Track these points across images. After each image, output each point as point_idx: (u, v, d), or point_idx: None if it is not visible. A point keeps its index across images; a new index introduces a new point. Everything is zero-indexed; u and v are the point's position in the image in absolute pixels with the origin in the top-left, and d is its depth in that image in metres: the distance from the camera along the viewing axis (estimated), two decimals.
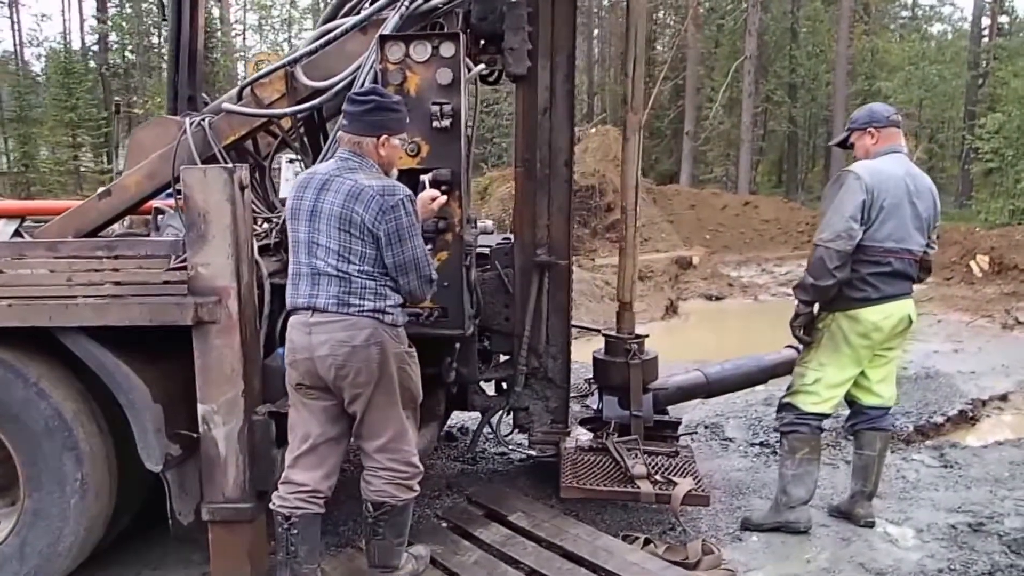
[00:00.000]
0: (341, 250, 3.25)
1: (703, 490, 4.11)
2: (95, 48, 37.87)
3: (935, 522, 4.48)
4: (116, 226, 4.93)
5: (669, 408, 5.11)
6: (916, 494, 4.91)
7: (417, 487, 3.54)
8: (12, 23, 39.50)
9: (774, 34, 33.43)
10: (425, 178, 3.91)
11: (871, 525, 4.39)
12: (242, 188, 3.60)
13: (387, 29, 4.02)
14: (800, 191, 34.20)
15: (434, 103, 3.88)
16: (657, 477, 4.17)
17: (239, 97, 4.48)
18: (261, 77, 4.33)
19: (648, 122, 34.93)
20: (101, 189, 4.77)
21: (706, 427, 6.23)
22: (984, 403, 7.17)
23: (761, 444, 5.80)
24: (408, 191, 3.34)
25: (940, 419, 6.45)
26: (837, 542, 4.25)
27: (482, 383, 4.92)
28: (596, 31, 44.47)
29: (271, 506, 3.48)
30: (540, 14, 4.38)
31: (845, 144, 4.38)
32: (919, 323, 5.39)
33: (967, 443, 6.08)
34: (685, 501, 4.06)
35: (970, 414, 6.79)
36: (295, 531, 3.41)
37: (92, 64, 36.44)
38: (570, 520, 4.21)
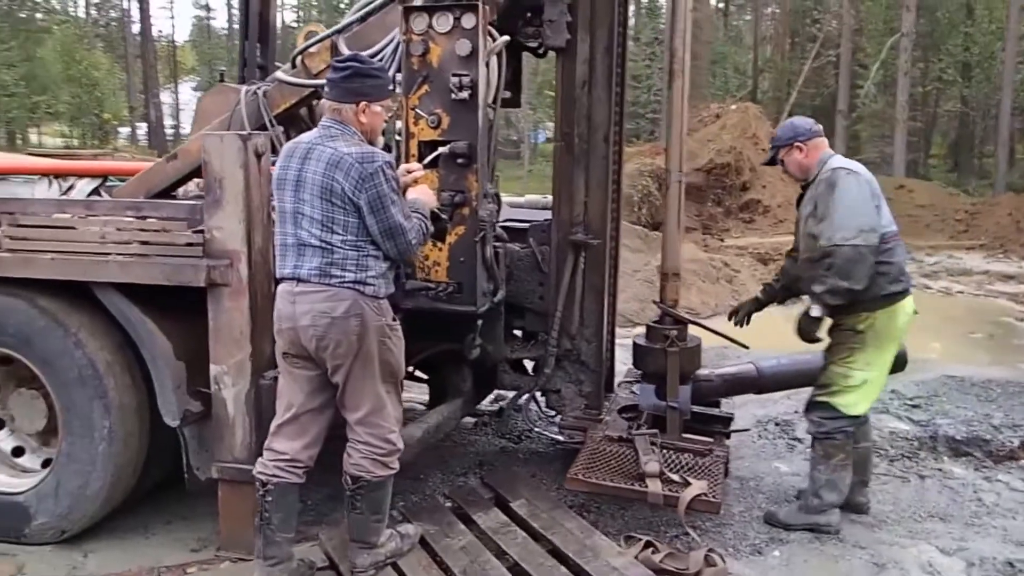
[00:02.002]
0: (324, 220, 3.25)
1: (715, 496, 3.86)
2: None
3: (994, 556, 4.04)
4: (191, 187, 5.10)
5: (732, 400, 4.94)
6: (987, 520, 4.46)
7: (395, 465, 3.51)
8: None
9: (947, 10, 31.36)
10: (443, 150, 3.87)
11: (869, 510, 4.36)
12: (258, 155, 3.65)
13: (419, 1, 3.98)
14: (974, 176, 32.11)
15: (453, 75, 3.83)
16: (674, 477, 3.97)
17: (292, 67, 4.54)
18: (309, 47, 4.39)
19: (801, 100, 33.78)
20: (169, 153, 4.96)
21: (776, 424, 5.92)
22: None
23: None
24: (388, 158, 3.31)
25: None
26: (868, 567, 3.92)
27: (524, 362, 4.86)
28: (769, 8, 42.96)
29: (253, 471, 3.54)
30: None
31: (773, 162, 4.33)
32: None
33: None
34: (692, 506, 3.84)
35: None
36: (270, 498, 3.45)
37: None
38: (568, 513, 4.06)
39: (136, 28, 41.89)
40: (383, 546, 3.61)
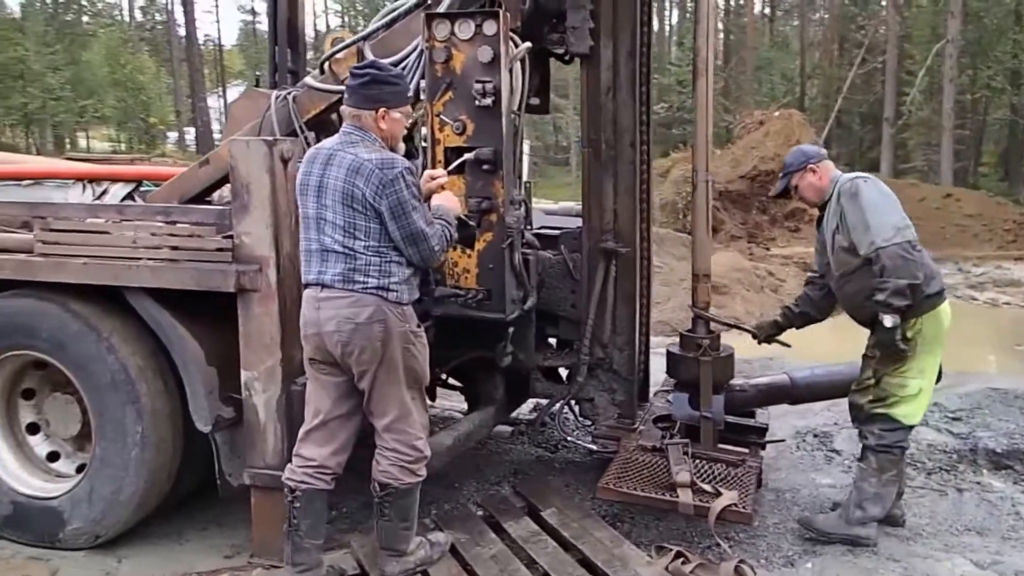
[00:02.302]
0: (347, 226, 3.25)
1: (746, 506, 3.80)
2: None
3: None
4: (226, 191, 5.13)
5: (767, 411, 4.84)
6: None
7: (422, 472, 3.50)
8: None
9: (995, 17, 30.77)
10: (469, 157, 3.87)
11: (904, 523, 4.29)
12: (284, 161, 3.66)
13: (442, 8, 4.00)
14: None
15: (476, 81, 3.83)
16: (705, 487, 3.91)
17: (321, 72, 4.56)
18: (335, 53, 4.40)
19: (849, 107, 33.34)
20: (202, 158, 4.99)
21: (815, 436, 5.80)
22: None
23: None
24: (408, 164, 3.30)
25: None
26: None
27: (559, 370, 4.82)
28: (818, 15, 42.48)
29: (282, 477, 3.54)
30: None
31: (786, 192, 4.30)
32: None
33: None
34: (723, 516, 3.78)
35: None
36: (298, 504, 3.45)
37: None
38: (598, 522, 4.03)
39: (182, 32, 42.41)
40: (413, 554, 3.60)
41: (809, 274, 4.60)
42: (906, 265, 3.78)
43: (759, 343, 4.65)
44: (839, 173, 4.17)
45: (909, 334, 3.92)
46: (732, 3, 43.69)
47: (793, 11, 45.03)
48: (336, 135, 3.44)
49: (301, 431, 3.52)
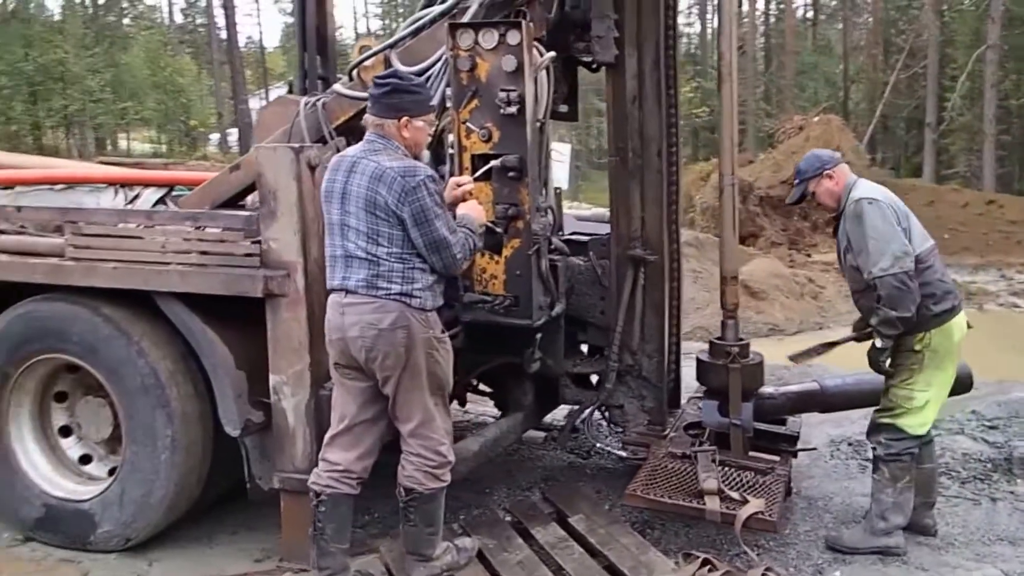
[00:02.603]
0: (370, 232, 3.28)
1: (772, 514, 3.76)
2: None
3: None
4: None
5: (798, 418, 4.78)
6: None
7: (447, 477, 3.50)
8: None
9: None
10: (495, 163, 3.88)
11: (936, 532, 4.26)
12: (311, 167, 3.68)
13: (466, 17, 4.02)
14: None
15: (501, 90, 3.84)
16: (733, 494, 3.87)
17: (350, 79, 4.58)
18: (364, 61, 4.43)
19: (892, 112, 32.89)
20: (232, 164, 5.03)
21: (850, 444, 5.71)
22: None
23: None
24: (430, 172, 3.33)
25: None
26: None
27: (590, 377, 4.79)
28: (862, 18, 41.89)
29: (308, 482, 3.54)
30: (626, 2, 4.23)
31: (803, 198, 4.30)
32: None
33: None
34: (749, 524, 3.75)
35: None
36: (323, 509, 3.47)
37: None
38: (625, 529, 4.01)
39: (224, 35, 42.76)
40: (439, 559, 3.60)
41: None
42: (900, 297, 3.81)
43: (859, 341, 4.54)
44: (854, 179, 4.15)
45: (917, 347, 3.98)
46: (772, 7, 43.38)
47: (836, 15, 44.49)
48: (360, 143, 3.47)
49: (327, 436, 3.54)
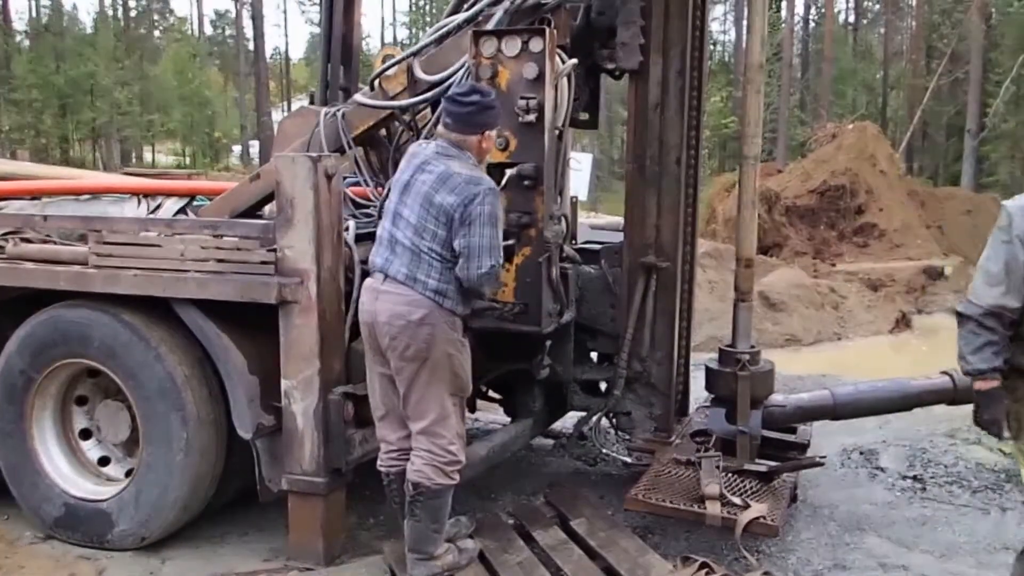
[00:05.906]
0: (419, 225, 3.39)
1: (773, 519, 3.79)
2: None
3: None
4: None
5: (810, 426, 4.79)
6: None
7: (456, 476, 3.56)
8: None
9: None
10: (511, 172, 3.91)
11: None
12: (328, 176, 3.76)
13: (490, 25, 4.07)
14: None
15: (521, 97, 3.89)
16: (735, 499, 3.91)
17: (371, 89, 4.65)
18: (386, 70, 4.49)
19: (935, 118, 32.21)
20: (252, 173, 5.12)
21: (861, 453, 5.72)
22: None
23: (914, 478, 5.25)
24: (493, 185, 3.44)
25: None
26: None
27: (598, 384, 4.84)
28: (904, 22, 41.41)
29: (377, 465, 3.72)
30: (653, 8, 4.26)
31: None
32: None
33: None
34: (750, 528, 3.78)
35: None
36: (394, 487, 3.67)
37: None
38: (625, 532, 4.04)
39: (251, 47, 43.10)
40: (440, 558, 3.66)
41: None
42: (964, 339, 3.11)
43: None
44: None
45: None
46: (813, 11, 42.95)
47: (879, 19, 43.91)
48: (433, 144, 3.56)
49: (375, 418, 3.70)
